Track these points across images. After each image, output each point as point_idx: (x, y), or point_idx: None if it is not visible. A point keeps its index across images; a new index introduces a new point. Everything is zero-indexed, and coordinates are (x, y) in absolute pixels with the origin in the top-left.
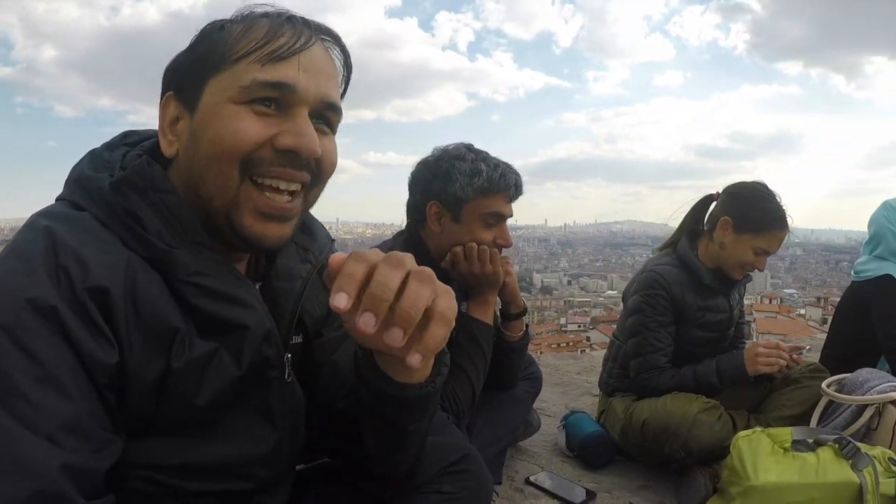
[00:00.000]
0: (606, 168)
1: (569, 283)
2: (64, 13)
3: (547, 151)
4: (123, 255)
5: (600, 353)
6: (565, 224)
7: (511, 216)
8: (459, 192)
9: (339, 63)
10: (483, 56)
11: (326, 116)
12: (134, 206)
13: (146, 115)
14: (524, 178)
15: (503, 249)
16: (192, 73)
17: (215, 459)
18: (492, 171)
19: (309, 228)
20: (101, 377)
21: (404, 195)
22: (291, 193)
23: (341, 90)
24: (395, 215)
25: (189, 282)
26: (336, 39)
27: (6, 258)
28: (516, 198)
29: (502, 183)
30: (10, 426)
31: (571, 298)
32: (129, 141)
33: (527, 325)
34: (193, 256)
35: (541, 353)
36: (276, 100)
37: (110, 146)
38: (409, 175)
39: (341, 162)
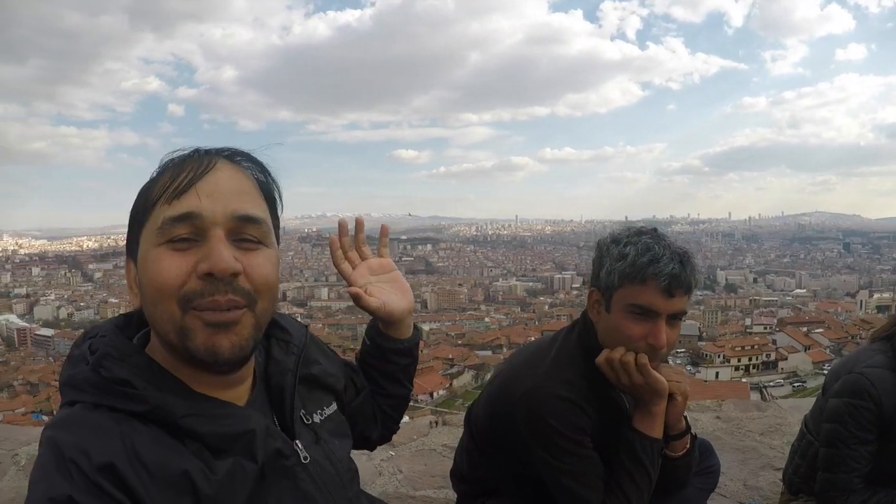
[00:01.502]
0: (790, 155)
1: (754, 280)
2: (238, 37)
3: (727, 140)
4: (116, 430)
5: (787, 404)
6: (749, 217)
7: (669, 312)
8: (606, 277)
9: (252, 177)
10: (653, 43)
11: (246, 231)
12: (119, 374)
13: (324, 125)
14: (704, 169)
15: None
16: (131, 228)
17: None
18: (639, 255)
19: (283, 327)
20: None
21: (582, 190)
22: (230, 309)
23: (262, 200)
24: (573, 212)
25: (191, 415)
26: (245, 156)
27: (34, 476)
28: (675, 291)
29: (650, 270)
30: None
31: (757, 297)
32: (89, 335)
33: (693, 436)
34: (182, 398)
35: (724, 355)
36: (191, 231)
37: (76, 345)
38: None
39: (518, 160)
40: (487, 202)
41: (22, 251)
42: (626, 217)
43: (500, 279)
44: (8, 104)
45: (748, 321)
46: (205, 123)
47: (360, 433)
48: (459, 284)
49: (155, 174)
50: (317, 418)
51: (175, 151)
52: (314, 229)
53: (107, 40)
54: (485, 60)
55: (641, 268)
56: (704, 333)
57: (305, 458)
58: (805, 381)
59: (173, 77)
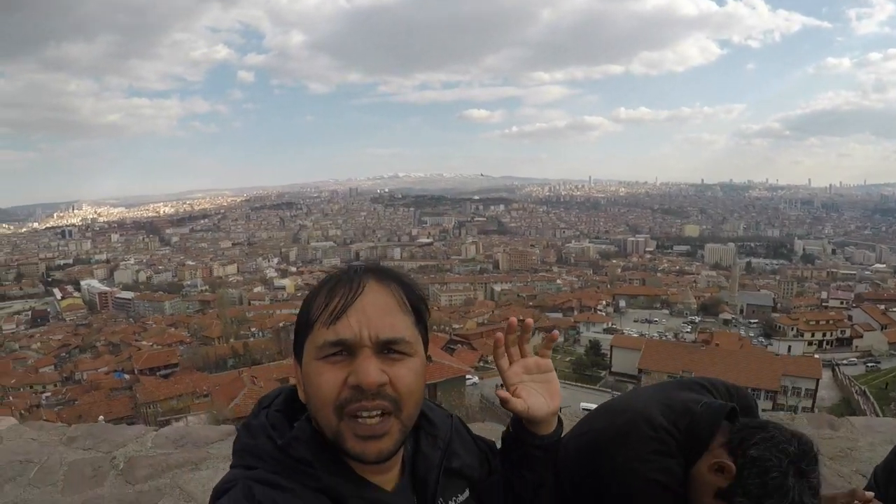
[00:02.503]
0: (875, 121)
1: (833, 252)
2: (306, 1)
3: (808, 102)
4: (297, 491)
5: (860, 424)
6: (830, 185)
7: None
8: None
9: (397, 294)
10: None
11: (392, 347)
12: (304, 455)
13: (394, 86)
14: (784, 132)
15: None
16: (296, 338)
17: None
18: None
19: (431, 420)
20: None
21: (657, 152)
22: (380, 416)
23: (407, 314)
24: (648, 173)
25: (355, 497)
26: (390, 275)
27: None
28: None
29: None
30: None
31: (835, 270)
32: (263, 405)
33: None
34: (347, 480)
35: (797, 328)
36: (344, 349)
37: (254, 415)
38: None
39: (591, 119)
40: (560, 162)
41: (101, 219)
42: (703, 180)
43: (573, 241)
44: (81, 80)
45: (824, 294)
46: (275, 89)
47: None
48: (532, 245)
49: (313, 293)
50: None
51: (327, 276)
52: (386, 190)
53: (174, 12)
54: (557, 17)
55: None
56: (779, 304)
57: None
58: (879, 362)
59: (241, 44)
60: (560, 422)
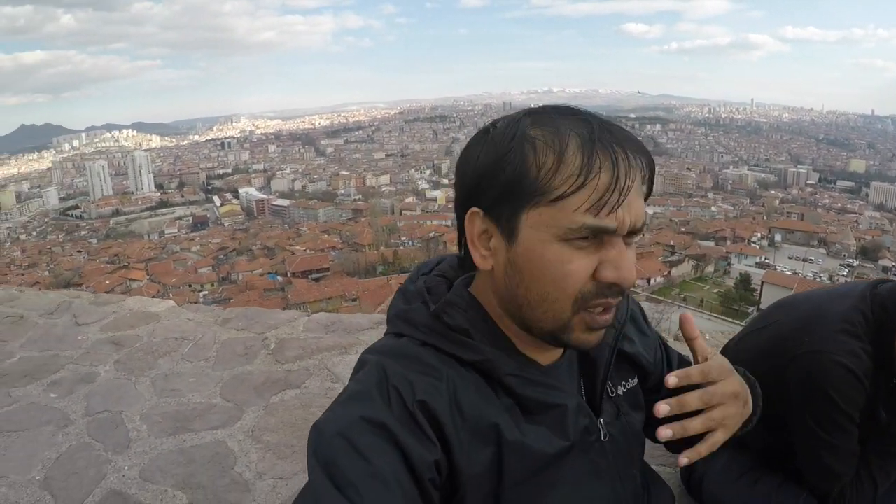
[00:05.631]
0: None
1: None
2: None
3: None
4: (444, 371)
5: None
6: None
7: None
8: None
9: (645, 175)
10: None
11: (632, 235)
12: (461, 323)
13: None
14: None
15: None
16: (503, 198)
17: None
18: None
19: None
20: (425, 472)
21: (826, 77)
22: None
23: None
24: (814, 100)
25: (515, 375)
26: (641, 150)
27: (349, 390)
28: None
29: None
30: (340, 500)
31: None
32: (422, 272)
33: None
34: (509, 357)
35: None
36: (596, 234)
37: (411, 280)
38: None
39: (755, 37)
40: (721, 82)
41: (259, 131)
42: (873, 111)
43: (731, 167)
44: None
45: None
46: (427, 2)
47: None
48: (688, 169)
49: (546, 150)
50: (620, 390)
51: (548, 120)
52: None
53: None
54: None
55: None
56: None
57: (605, 436)
58: None
59: None
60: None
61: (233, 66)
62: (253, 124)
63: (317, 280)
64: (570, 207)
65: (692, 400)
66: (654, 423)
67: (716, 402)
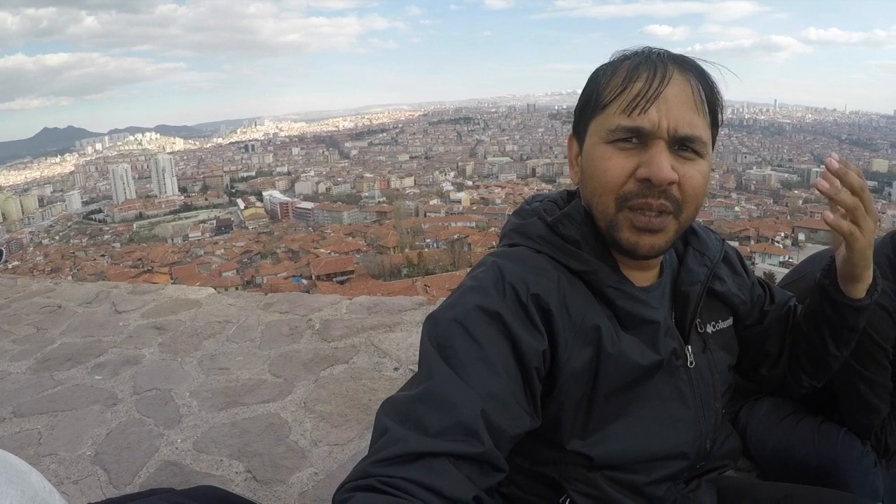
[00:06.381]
0: None
1: None
2: None
3: None
4: (555, 274)
5: None
6: None
7: None
8: None
9: (697, 89)
10: None
11: (686, 146)
12: (573, 234)
13: (574, 0)
14: None
15: None
16: (580, 115)
17: (643, 440)
18: None
19: (702, 238)
20: (533, 360)
21: (849, 78)
22: (659, 213)
23: (704, 114)
24: (837, 101)
25: (615, 287)
26: (693, 68)
27: (466, 285)
28: None
29: None
30: (452, 377)
31: None
32: (537, 199)
33: None
34: (612, 271)
35: None
36: (637, 137)
37: (527, 202)
38: None
39: (779, 39)
40: (744, 84)
41: (282, 134)
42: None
43: (754, 167)
44: (260, 2)
45: None
46: (451, 4)
47: (752, 361)
48: (711, 169)
49: (607, 70)
50: (710, 329)
51: (626, 50)
52: (564, 106)
53: None
54: None
55: None
56: None
57: (691, 363)
58: None
59: None
60: (877, 282)
61: (257, 68)
62: (277, 127)
63: (341, 283)
64: (611, 112)
65: (855, 180)
66: (750, 354)
67: (867, 203)
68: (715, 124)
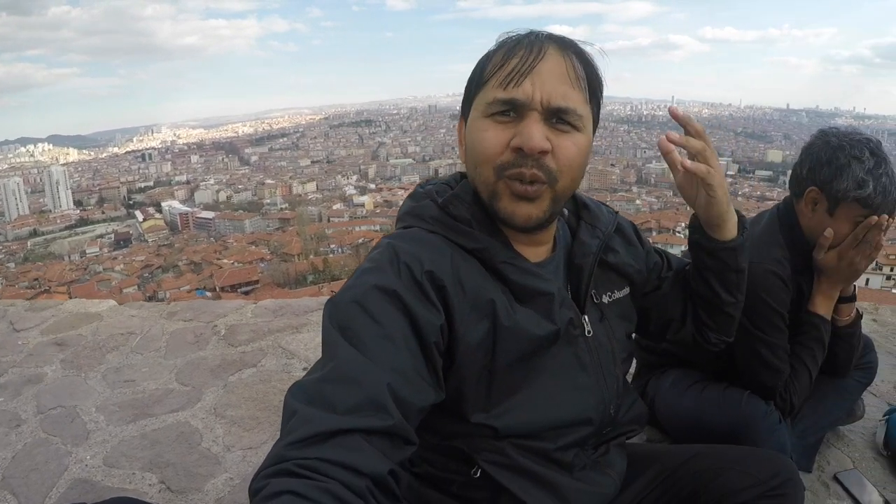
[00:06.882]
0: None
1: None
2: None
3: None
4: (448, 252)
5: None
6: None
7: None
8: (841, 193)
9: (576, 67)
10: None
11: (562, 118)
12: (463, 213)
13: (475, 1)
14: (875, 60)
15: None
16: (466, 95)
17: (546, 408)
18: (876, 193)
19: (594, 211)
20: (432, 336)
21: (744, 74)
22: (532, 182)
23: (582, 90)
24: (732, 95)
25: (507, 262)
26: (571, 46)
27: (362, 267)
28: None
29: (878, 201)
30: (356, 355)
31: None
32: (431, 182)
33: (859, 313)
34: (503, 247)
35: (878, 262)
36: (513, 110)
37: (421, 185)
38: (807, 141)
39: (676, 38)
40: (643, 81)
41: (181, 141)
42: (788, 105)
43: (654, 161)
44: (157, 4)
45: None
46: (353, 5)
47: (659, 327)
48: (612, 164)
49: (492, 49)
50: (605, 299)
51: (510, 32)
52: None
53: None
54: None
55: (874, 200)
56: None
57: (589, 332)
58: None
59: None
60: (742, 219)
61: (154, 72)
62: (175, 134)
63: (247, 293)
64: (490, 87)
65: (697, 125)
66: (653, 321)
67: (709, 143)
68: (595, 102)
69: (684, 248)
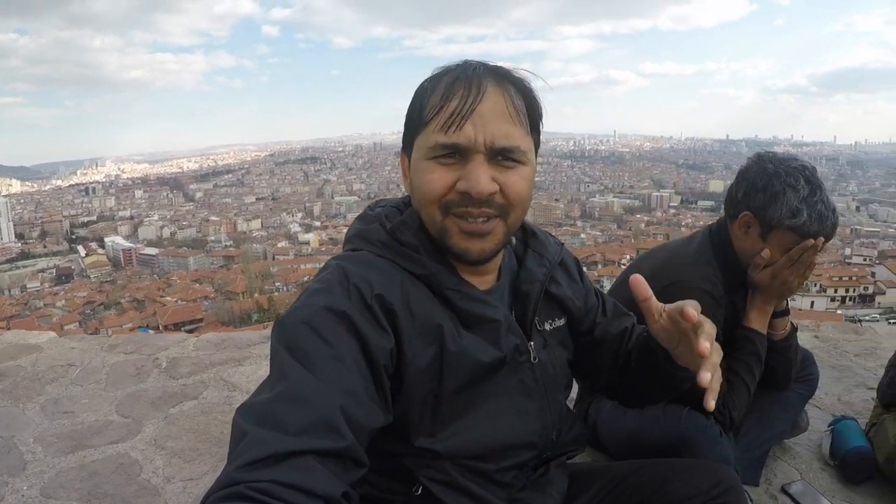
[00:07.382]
0: None
1: (857, 209)
2: None
3: (835, 60)
4: (398, 277)
5: (884, 331)
6: (856, 142)
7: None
8: (774, 220)
9: (515, 100)
10: None
11: (507, 156)
12: (411, 240)
13: (419, 40)
14: (811, 89)
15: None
16: (407, 131)
17: (491, 433)
18: (811, 220)
19: (541, 240)
20: (381, 358)
21: (684, 107)
22: (487, 219)
23: (523, 124)
24: (673, 128)
25: (454, 289)
26: (508, 78)
27: (312, 288)
28: (829, 239)
29: (815, 229)
30: (306, 376)
31: (858, 227)
32: (381, 204)
33: (794, 326)
34: (450, 274)
35: (821, 284)
36: (457, 153)
37: (370, 208)
38: (744, 164)
39: (617, 74)
40: (585, 117)
41: (125, 176)
42: (728, 136)
43: (597, 195)
44: (105, 36)
45: (847, 251)
46: (300, 42)
47: (587, 370)
48: (556, 199)
49: (428, 87)
50: (547, 326)
51: (443, 68)
52: None
53: None
54: None
55: (809, 228)
56: None
57: (535, 359)
58: None
59: None
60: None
61: (100, 105)
62: (119, 168)
63: (190, 332)
64: (430, 129)
65: (715, 356)
66: (582, 364)
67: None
68: (536, 130)
69: None
